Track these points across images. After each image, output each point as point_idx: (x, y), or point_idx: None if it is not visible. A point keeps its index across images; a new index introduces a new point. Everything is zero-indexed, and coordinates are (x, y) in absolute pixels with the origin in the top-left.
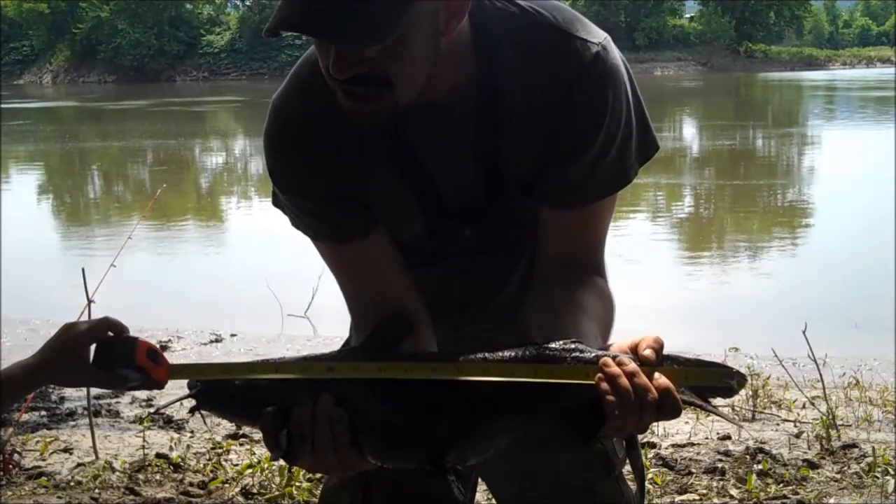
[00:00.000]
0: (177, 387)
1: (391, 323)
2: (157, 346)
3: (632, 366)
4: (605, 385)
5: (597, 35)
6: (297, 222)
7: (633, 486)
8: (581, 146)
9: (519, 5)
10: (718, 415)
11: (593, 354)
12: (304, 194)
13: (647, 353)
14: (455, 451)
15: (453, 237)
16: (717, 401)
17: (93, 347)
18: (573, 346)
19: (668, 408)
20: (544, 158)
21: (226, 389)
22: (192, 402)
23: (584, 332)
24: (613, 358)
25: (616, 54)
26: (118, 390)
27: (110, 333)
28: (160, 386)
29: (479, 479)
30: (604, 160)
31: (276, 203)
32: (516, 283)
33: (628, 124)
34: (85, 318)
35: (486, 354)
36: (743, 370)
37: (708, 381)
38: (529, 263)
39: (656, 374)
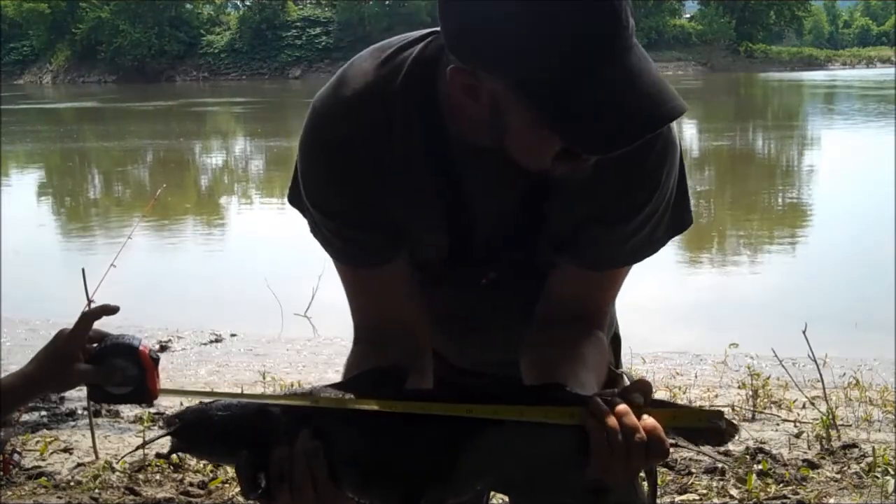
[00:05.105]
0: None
1: (388, 372)
2: (158, 356)
3: (621, 406)
4: (591, 421)
5: None
6: (317, 233)
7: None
8: (626, 216)
9: None
10: (707, 454)
11: (581, 396)
12: (333, 213)
13: (635, 396)
14: (432, 490)
15: (475, 277)
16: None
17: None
18: (560, 387)
19: (654, 449)
20: (585, 219)
21: (206, 428)
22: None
23: (582, 381)
24: (602, 399)
25: (675, 128)
26: (109, 404)
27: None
28: (152, 398)
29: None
30: (641, 231)
31: (296, 203)
32: (522, 325)
33: (670, 199)
34: None
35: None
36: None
37: (695, 423)
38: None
39: (644, 416)
